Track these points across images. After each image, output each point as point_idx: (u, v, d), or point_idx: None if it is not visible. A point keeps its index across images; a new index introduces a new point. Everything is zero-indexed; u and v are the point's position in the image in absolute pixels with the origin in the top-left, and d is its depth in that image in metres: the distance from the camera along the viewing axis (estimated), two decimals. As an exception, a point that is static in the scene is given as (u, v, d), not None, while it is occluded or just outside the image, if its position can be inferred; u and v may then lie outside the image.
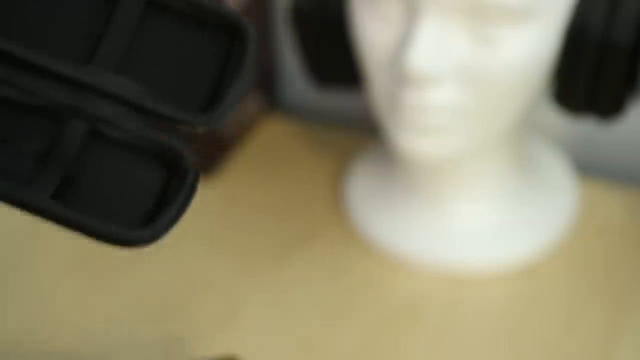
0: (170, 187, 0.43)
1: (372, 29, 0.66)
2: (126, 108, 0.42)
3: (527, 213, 0.74)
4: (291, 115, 0.92)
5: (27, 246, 0.76)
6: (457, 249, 0.72)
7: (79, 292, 0.72)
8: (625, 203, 0.77)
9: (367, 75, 0.68)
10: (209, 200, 0.79)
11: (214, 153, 0.81)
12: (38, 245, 0.76)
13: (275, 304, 0.71)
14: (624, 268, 0.72)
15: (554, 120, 0.83)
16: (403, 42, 0.64)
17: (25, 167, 0.41)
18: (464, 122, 0.66)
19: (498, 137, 0.68)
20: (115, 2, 0.43)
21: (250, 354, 0.67)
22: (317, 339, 0.68)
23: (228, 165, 0.83)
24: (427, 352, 0.67)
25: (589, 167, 0.85)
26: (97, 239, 0.41)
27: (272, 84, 0.88)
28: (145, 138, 0.42)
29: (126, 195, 0.43)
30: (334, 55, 0.72)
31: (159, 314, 0.70)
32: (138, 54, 0.43)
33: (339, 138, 0.85)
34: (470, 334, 0.68)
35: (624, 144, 0.83)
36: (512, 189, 0.74)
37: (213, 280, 0.72)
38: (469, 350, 0.67)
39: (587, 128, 0.83)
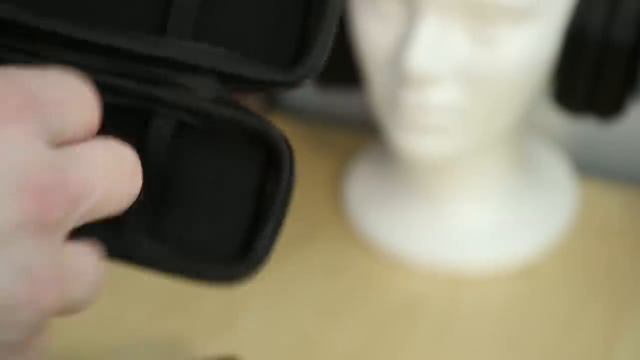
0: (268, 179, 0.39)
1: (372, 29, 0.66)
2: (211, 79, 0.39)
3: (526, 213, 0.74)
4: (291, 115, 0.92)
5: (27, 246, 0.76)
6: (456, 249, 0.72)
7: (79, 292, 0.72)
8: (625, 203, 0.77)
9: (367, 75, 0.68)
10: (208, 200, 0.79)
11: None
12: (38, 245, 0.76)
13: (275, 303, 0.71)
14: (624, 268, 0.72)
15: (554, 120, 0.83)
16: (403, 42, 0.64)
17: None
18: (464, 122, 0.66)
19: (498, 137, 0.68)
20: None
21: (250, 354, 0.67)
22: (317, 338, 0.68)
23: (228, 165, 0.82)
24: (426, 352, 0.67)
25: (589, 167, 0.85)
26: (195, 281, 0.39)
27: (272, 84, 0.88)
28: (233, 120, 0.39)
29: (225, 195, 0.39)
30: (334, 55, 0.72)
31: (159, 314, 0.70)
32: (212, 15, 0.39)
33: (339, 138, 0.85)
34: (470, 334, 0.68)
35: (624, 144, 0.83)
36: (511, 189, 0.74)
37: (213, 280, 0.72)
38: (468, 350, 0.67)
39: (587, 128, 0.83)
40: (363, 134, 0.85)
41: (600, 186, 0.79)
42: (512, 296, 0.70)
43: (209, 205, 0.40)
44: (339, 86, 0.75)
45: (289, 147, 0.39)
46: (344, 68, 0.73)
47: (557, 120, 0.83)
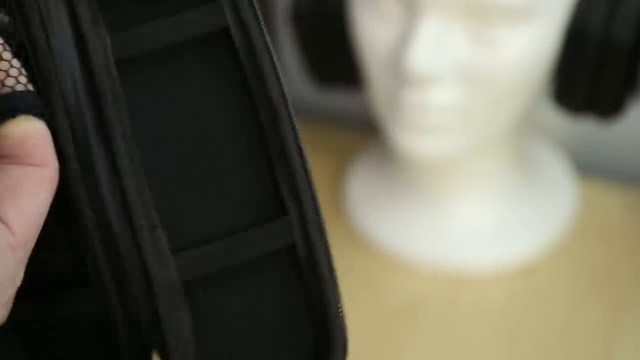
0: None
1: (373, 29, 0.66)
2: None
3: (526, 213, 0.74)
4: (291, 115, 0.92)
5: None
6: (456, 249, 0.72)
7: (79, 291, 0.72)
8: (625, 203, 0.77)
9: (367, 75, 0.68)
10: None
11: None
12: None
13: (275, 303, 0.71)
14: (624, 268, 0.72)
15: (554, 120, 0.83)
16: (403, 42, 0.64)
17: None
18: (464, 122, 0.66)
19: (498, 137, 0.68)
20: (265, 221, 0.35)
21: (250, 354, 0.67)
22: (317, 338, 0.68)
23: (228, 165, 0.82)
24: (427, 352, 0.67)
25: (589, 167, 0.85)
26: None
27: (272, 84, 0.88)
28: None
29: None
30: (334, 55, 0.72)
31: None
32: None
33: (339, 138, 0.85)
34: (470, 334, 0.68)
35: (624, 144, 0.83)
36: (511, 189, 0.74)
37: (213, 280, 0.72)
38: (468, 350, 0.67)
39: (587, 128, 0.83)
40: (363, 134, 0.85)
41: (600, 186, 0.79)
42: (512, 296, 0.70)
43: None
44: (339, 86, 0.75)
45: None
46: (344, 68, 0.73)
47: (557, 120, 0.83)
